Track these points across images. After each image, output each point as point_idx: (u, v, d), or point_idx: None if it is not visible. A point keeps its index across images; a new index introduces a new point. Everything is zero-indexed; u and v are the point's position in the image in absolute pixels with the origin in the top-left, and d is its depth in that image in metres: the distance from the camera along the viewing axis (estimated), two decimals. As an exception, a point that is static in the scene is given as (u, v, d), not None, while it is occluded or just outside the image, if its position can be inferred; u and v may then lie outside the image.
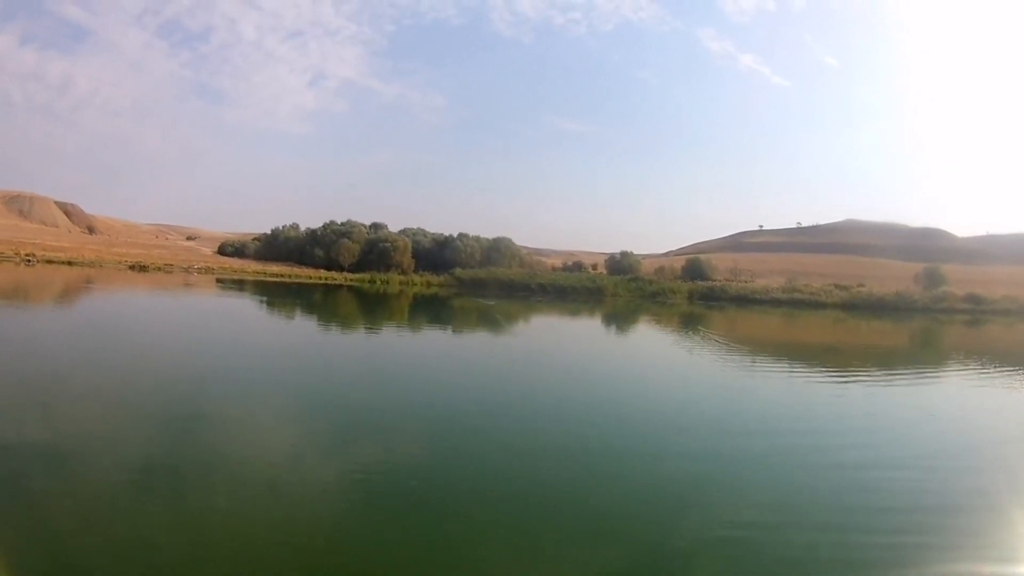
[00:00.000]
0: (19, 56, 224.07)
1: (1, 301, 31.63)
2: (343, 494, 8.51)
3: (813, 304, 67.34)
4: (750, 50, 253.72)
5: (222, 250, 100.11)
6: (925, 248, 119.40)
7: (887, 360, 29.52)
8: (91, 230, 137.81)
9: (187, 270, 67.02)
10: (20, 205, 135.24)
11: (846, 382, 21.68)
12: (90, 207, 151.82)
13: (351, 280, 69.35)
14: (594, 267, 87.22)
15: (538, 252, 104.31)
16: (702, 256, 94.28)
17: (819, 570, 7.13)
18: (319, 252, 79.88)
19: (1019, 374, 25.98)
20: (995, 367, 27.52)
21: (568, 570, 6.96)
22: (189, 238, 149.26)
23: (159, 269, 65.68)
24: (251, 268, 73.45)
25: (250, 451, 10.11)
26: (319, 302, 47.17)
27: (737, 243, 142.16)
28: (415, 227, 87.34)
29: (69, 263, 62.45)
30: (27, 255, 62.94)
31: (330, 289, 59.71)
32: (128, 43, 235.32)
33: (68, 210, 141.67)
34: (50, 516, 7.11)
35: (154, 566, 6.26)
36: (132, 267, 64.80)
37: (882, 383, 22.19)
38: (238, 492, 8.22)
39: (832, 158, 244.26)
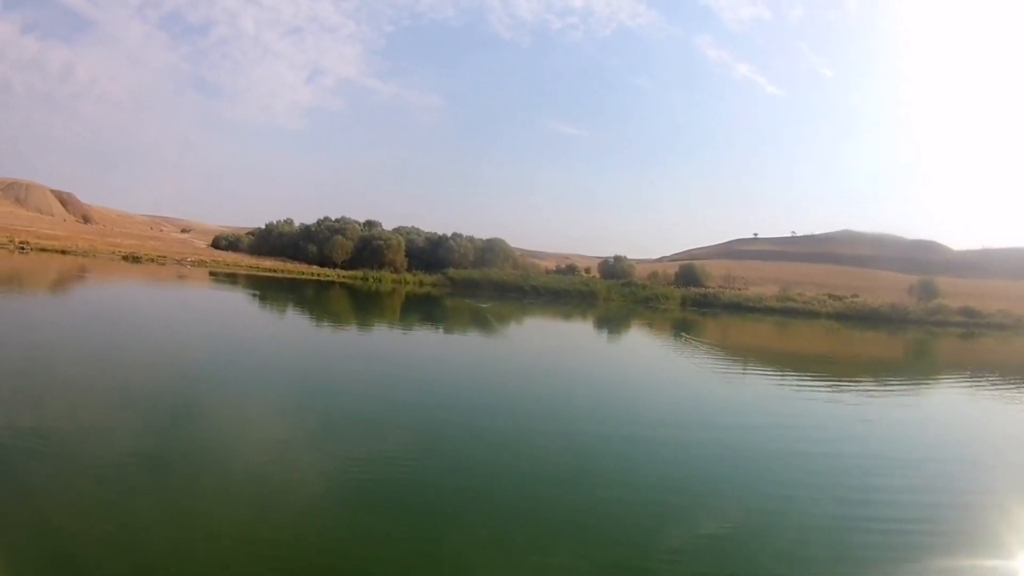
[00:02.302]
0: (20, 44, 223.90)
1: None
2: (331, 491, 8.62)
3: (806, 313, 67.17)
4: (746, 59, 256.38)
5: (216, 243, 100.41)
6: (920, 260, 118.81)
7: (881, 370, 29.93)
8: (86, 219, 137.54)
9: (180, 262, 67.04)
10: (16, 192, 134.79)
11: (841, 390, 22.14)
12: (86, 197, 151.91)
13: (344, 277, 69.32)
14: (587, 271, 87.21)
15: (532, 254, 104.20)
16: (696, 263, 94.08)
17: (805, 566, 7.59)
18: (312, 248, 79.91)
19: (1013, 387, 26.59)
20: (988, 380, 28.09)
21: (557, 570, 7.09)
22: (184, 230, 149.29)
23: (152, 260, 65.71)
24: (244, 262, 73.49)
25: (240, 447, 10.22)
26: (311, 298, 47.28)
27: (731, 250, 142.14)
28: (409, 226, 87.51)
29: (63, 252, 62.48)
30: (21, 242, 62.92)
31: (322, 285, 59.83)
32: (129, 35, 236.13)
33: (64, 199, 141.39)
34: (40, 509, 7.24)
35: (143, 560, 6.41)
36: (126, 258, 64.84)
37: (878, 392, 22.74)
38: (227, 489, 8.38)
39: (827, 168, 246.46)
